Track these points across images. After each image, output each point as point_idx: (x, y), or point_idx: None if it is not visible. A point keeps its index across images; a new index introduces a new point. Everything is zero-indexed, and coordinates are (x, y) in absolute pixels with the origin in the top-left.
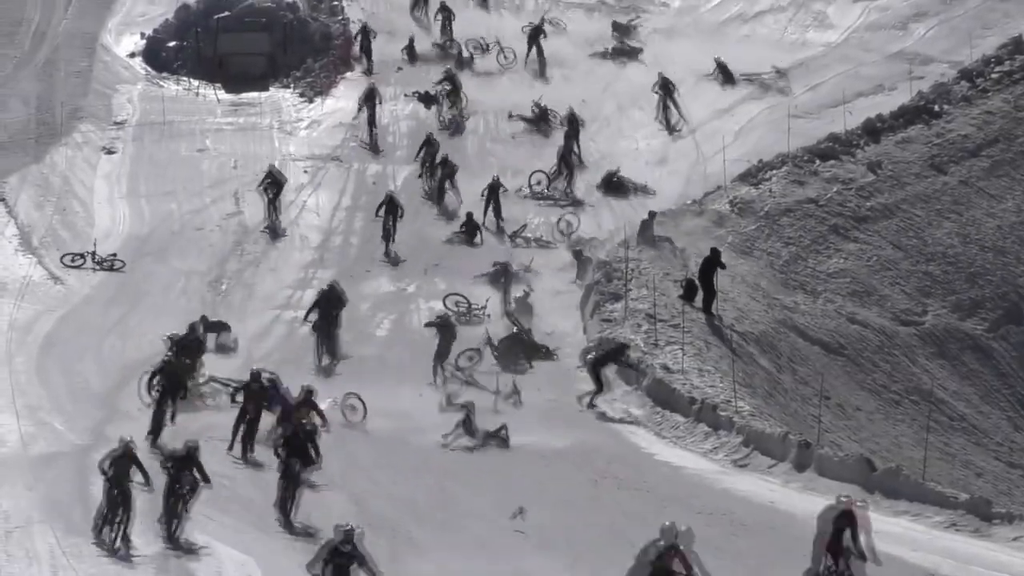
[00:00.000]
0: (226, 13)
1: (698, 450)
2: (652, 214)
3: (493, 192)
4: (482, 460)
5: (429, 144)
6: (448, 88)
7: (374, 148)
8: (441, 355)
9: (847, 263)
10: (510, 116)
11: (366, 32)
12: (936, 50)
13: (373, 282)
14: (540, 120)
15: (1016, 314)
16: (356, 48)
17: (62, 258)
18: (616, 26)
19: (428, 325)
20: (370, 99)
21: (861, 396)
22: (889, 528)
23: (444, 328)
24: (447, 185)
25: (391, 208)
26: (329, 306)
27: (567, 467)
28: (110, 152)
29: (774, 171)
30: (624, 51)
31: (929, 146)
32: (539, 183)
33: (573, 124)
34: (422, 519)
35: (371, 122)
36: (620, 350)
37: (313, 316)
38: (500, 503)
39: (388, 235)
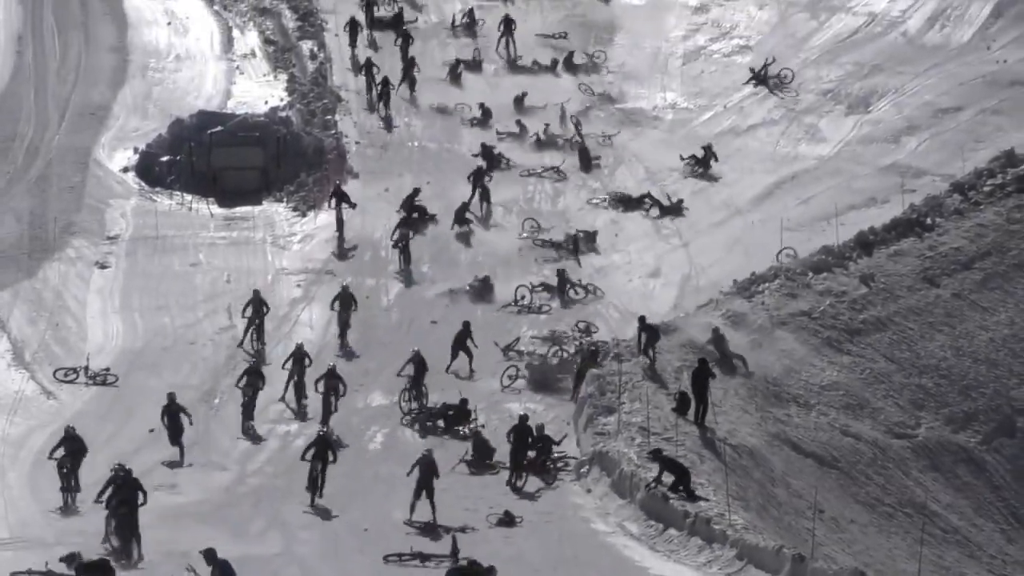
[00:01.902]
0: (219, 128)
1: (692, 564)
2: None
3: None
4: None
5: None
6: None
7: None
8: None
9: (840, 376)
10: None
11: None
12: (928, 163)
13: (365, 395)
14: None
15: (1009, 427)
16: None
17: (55, 372)
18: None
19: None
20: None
21: (855, 509)
22: None
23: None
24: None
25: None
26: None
27: None
28: (103, 267)
29: (767, 284)
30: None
31: (921, 259)
32: (523, 297)
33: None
34: None
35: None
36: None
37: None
38: None
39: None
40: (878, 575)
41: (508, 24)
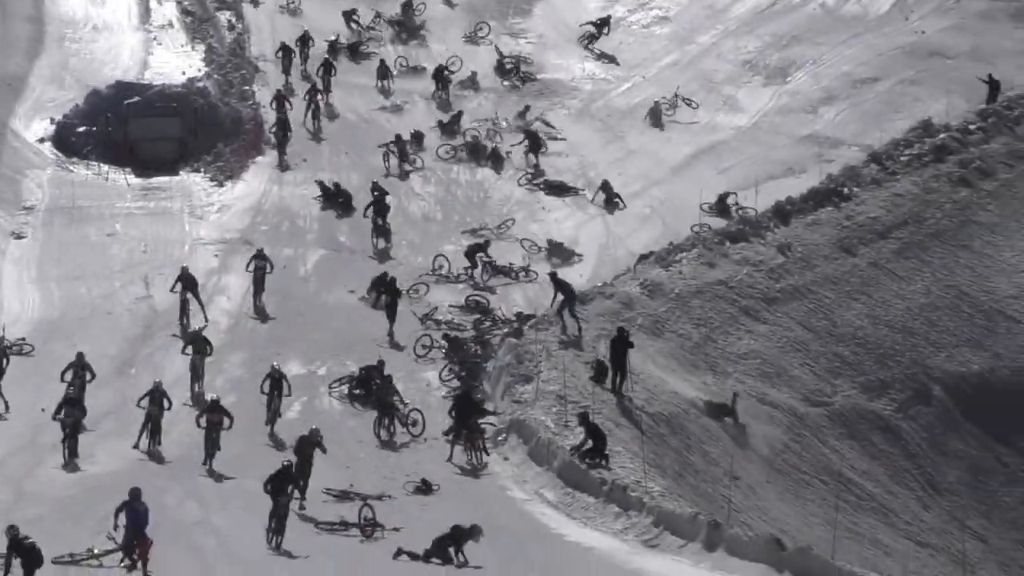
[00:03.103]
0: (136, 98)
1: (608, 531)
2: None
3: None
4: (396, 537)
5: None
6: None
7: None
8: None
9: (757, 344)
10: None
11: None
12: (846, 133)
13: (283, 365)
14: None
15: (925, 395)
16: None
17: None
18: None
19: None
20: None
21: (771, 476)
22: None
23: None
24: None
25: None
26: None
27: (476, 548)
28: (19, 237)
29: (684, 253)
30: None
31: (838, 228)
32: (441, 267)
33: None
34: None
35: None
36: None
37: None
38: None
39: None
40: (794, 542)
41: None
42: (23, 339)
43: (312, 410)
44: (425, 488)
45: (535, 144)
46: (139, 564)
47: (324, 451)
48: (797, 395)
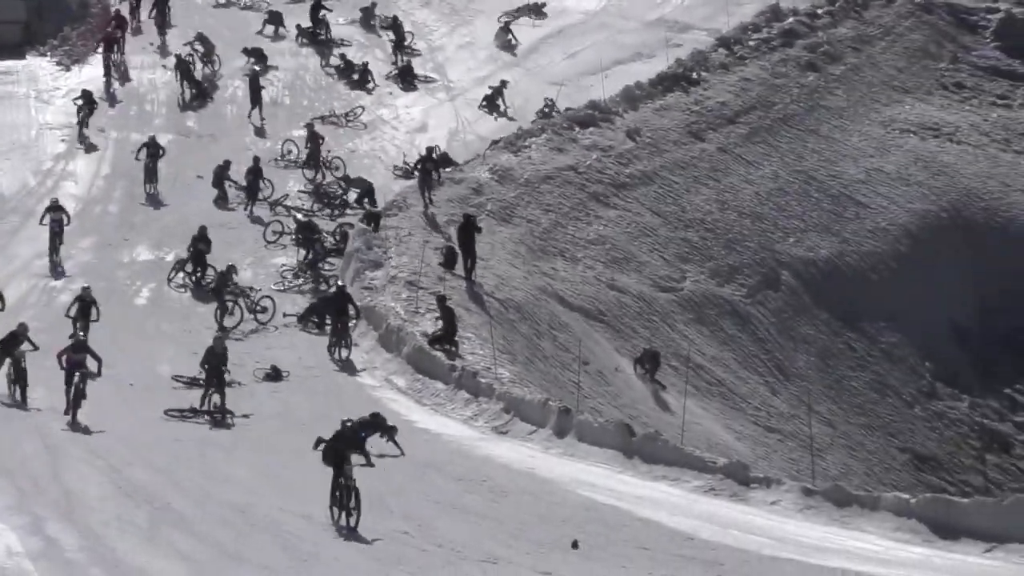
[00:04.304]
0: None
1: (458, 417)
2: None
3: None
4: (240, 430)
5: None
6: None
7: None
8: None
9: (606, 230)
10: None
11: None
12: (694, 18)
13: (131, 250)
14: None
15: (773, 280)
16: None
17: None
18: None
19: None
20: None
21: (622, 362)
22: (648, 493)
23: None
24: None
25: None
26: None
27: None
28: None
29: (534, 139)
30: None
31: (687, 113)
32: (290, 152)
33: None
34: (182, 488)
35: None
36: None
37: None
38: (260, 469)
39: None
40: (643, 427)
41: None
42: None
43: (160, 296)
44: (275, 375)
45: (400, 39)
46: None
47: (35, 347)
48: (646, 280)
